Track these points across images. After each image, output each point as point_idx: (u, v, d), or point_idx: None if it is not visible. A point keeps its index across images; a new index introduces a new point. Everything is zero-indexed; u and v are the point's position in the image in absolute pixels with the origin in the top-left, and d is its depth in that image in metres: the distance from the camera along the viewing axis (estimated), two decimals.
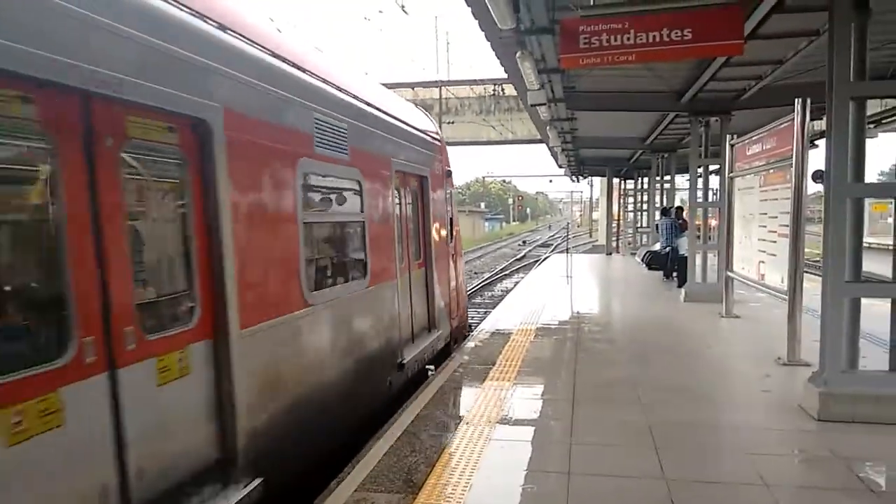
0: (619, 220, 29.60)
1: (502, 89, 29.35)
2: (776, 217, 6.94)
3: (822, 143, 5.66)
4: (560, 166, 27.91)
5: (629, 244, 27.20)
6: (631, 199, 29.71)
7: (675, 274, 13.75)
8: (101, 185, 2.79)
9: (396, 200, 6.87)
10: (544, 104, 9.52)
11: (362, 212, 5.78)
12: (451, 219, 9.49)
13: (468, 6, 6.46)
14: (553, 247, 44.07)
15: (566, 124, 13.77)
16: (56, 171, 2.62)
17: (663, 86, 10.26)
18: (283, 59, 4.48)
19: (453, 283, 9.43)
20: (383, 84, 8.71)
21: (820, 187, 7.42)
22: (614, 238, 27.80)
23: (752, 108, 10.60)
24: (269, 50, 4.28)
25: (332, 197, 5.53)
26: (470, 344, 8.08)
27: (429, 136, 8.40)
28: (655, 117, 13.69)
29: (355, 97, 5.74)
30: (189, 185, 3.45)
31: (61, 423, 2.55)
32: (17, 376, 2.40)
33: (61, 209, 2.62)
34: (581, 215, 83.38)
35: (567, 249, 20.15)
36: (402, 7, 15.93)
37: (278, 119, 4.33)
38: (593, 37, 5.60)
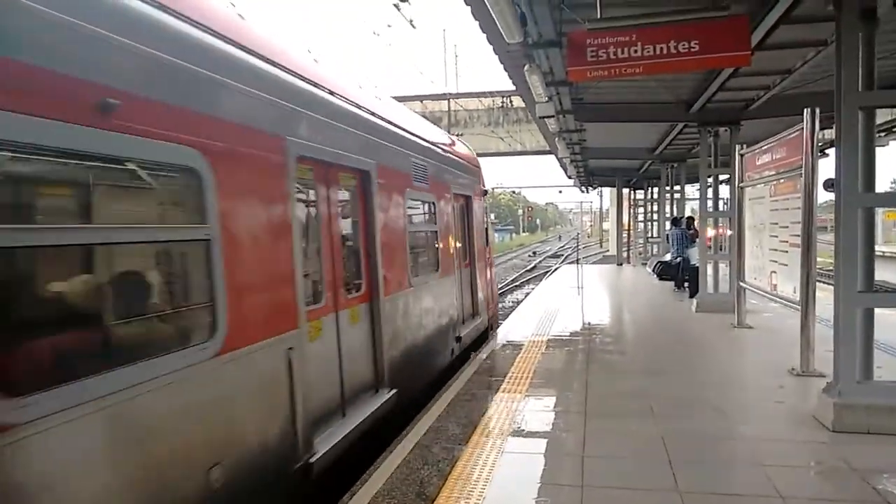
0: (629, 230, 29.54)
1: (510, 101, 29.44)
2: (787, 227, 6.92)
3: (832, 151, 5.66)
4: (569, 177, 27.90)
5: (640, 254, 27.11)
6: (641, 209, 29.63)
7: (686, 284, 13.69)
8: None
9: (453, 215, 8.67)
10: (553, 116, 9.56)
11: (435, 224, 7.72)
12: (487, 229, 11.25)
13: (475, 20, 6.53)
14: (563, 257, 43.98)
15: (575, 136, 13.81)
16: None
17: (671, 96, 10.28)
18: (399, 127, 6.60)
19: (489, 281, 11.29)
20: (394, 97, 8.83)
21: (830, 196, 7.41)
22: (625, 248, 27.73)
23: (761, 118, 10.59)
24: (396, 124, 6.48)
25: (420, 214, 7.39)
26: (482, 355, 8.08)
27: (471, 164, 10.30)
28: (664, 128, 13.69)
29: (430, 143, 7.77)
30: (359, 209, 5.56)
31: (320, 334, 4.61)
32: (310, 307, 4.46)
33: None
34: (591, 226, 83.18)
35: (577, 260, 20.10)
36: (411, 21, 16.03)
37: (399, 165, 6.43)
38: (600, 50, 5.64)
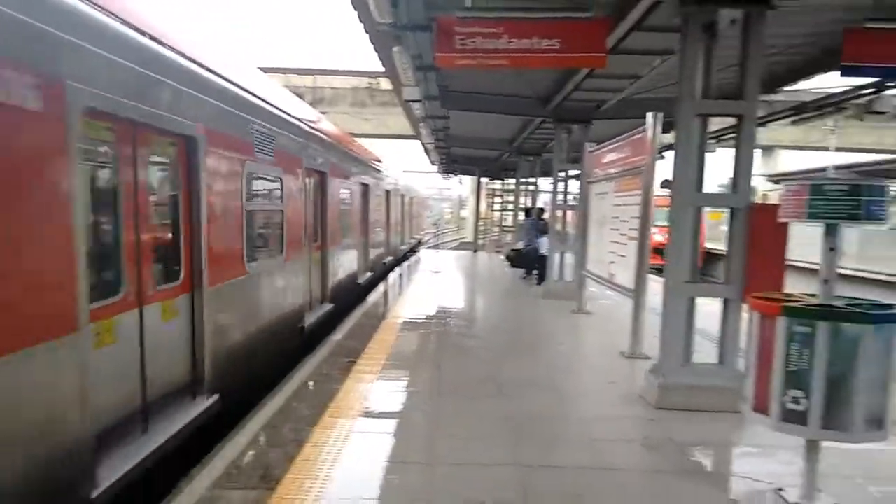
0: (486, 218, 30.51)
1: (378, 83, 29.17)
2: (626, 221, 7.44)
3: (669, 154, 6.15)
4: (433, 163, 28.24)
5: (495, 242, 28.09)
6: (498, 199, 30.67)
7: (535, 272, 14.37)
8: None
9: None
10: (419, 101, 9.57)
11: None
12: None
13: None
14: (422, 242, 44.51)
15: (439, 122, 13.96)
16: None
17: (532, 91, 10.68)
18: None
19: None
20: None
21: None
22: (481, 236, 28.61)
23: (610, 119, 11.29)
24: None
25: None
26: (336, 336, 7.97)
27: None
28: (523, 121, 14.21)
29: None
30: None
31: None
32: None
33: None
34: (451, 213, 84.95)
35: (437, 246, 20.41)
36: None
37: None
38: (469, 38, 5.70)
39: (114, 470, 3.60)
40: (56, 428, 3.15)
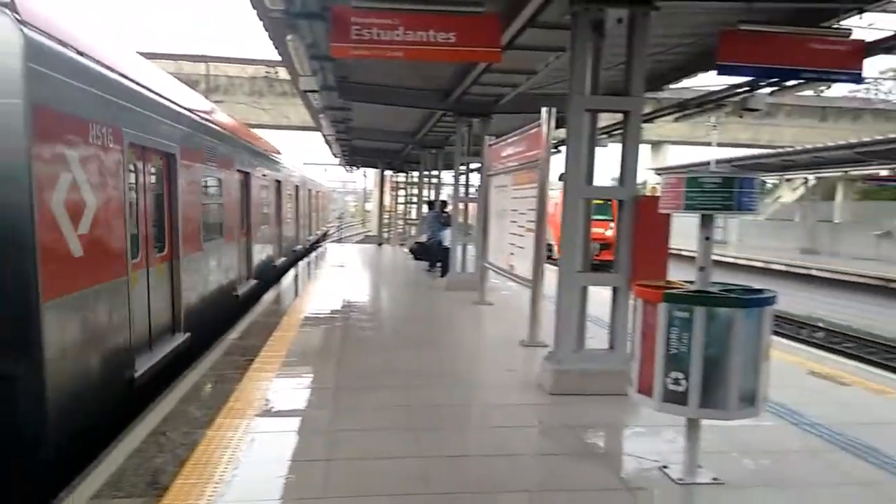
0: (390, 211, 30.42)
1: (276, 72, 28.34)
2: (524, 213, 7.63)
3: (564, 148, 6.33)
4: (335, 155, 27.80)
5: (399, 235, 28.08)
6: (402, 192, 30.65)
7: (439, 264, 14.48)
8: None
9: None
10: (317, 91, 9.36)
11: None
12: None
13: None
14: (326, 235, 43.79)
15: (339, 114, 13.74)
16: None
17: (432, 84, 10.72)
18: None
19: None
20: (141, 53, 7.98)
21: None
22: (386, 229, 28.51)
23: (508, 113, 11.53)
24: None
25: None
26: (232, 335, 7.69)
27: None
28: (425, 114, 14.24)
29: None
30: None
31: None
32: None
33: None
34: (355, 206, 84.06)
35: (340, 240, 20.16)
36: None
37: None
38: (364, 29, 5.62)
39: (141, 365, 5.76)
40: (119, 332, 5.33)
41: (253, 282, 11.51)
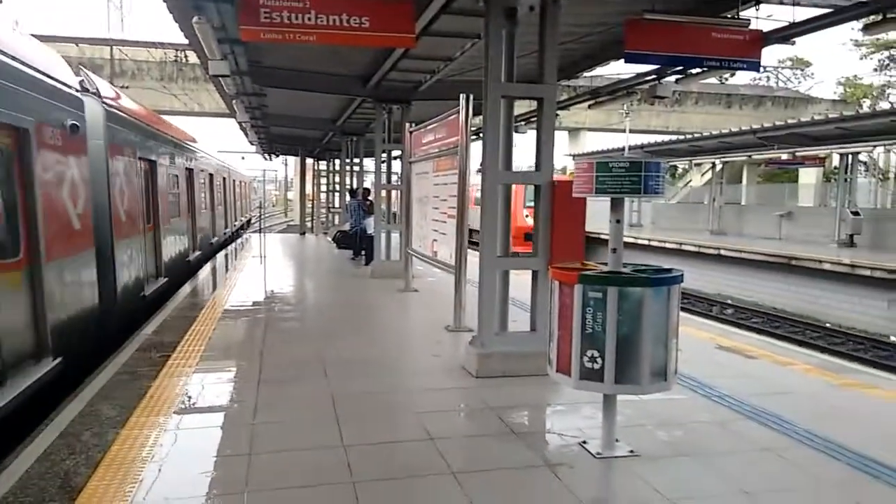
0: (313, 200, 29.91)
1: (185, 56, 27.17)
2: (446, 200, 7.68)
3: None
4: (252, 143, 27.02)
5: (322, 224, 27.67)
6: (324, 180, 30.17)
7: (363, 252, 14.39)
8: None
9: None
10: (228, 76, 9.05)
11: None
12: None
13: None
14: (247, 226, 42.62)
15: (254, 99, 13.36)
16: None
17: (350, 70, 10.58)
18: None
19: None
20: (37, 35, 7.45)
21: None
22: (308, 218, 28.03)
23: (427, 100, 11.52)
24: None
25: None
26: (147, 330, 7.39)
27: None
28: (345, 100, 14.02)
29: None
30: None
31: None
32: None
33: None
34: (276, 195, 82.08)
35: (261, 230, 19.69)
36: None
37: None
38: (274, 12, 5.47)
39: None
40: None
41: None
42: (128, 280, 8.50)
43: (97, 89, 7.76)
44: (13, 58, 5.14)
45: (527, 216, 16.22)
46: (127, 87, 23.57)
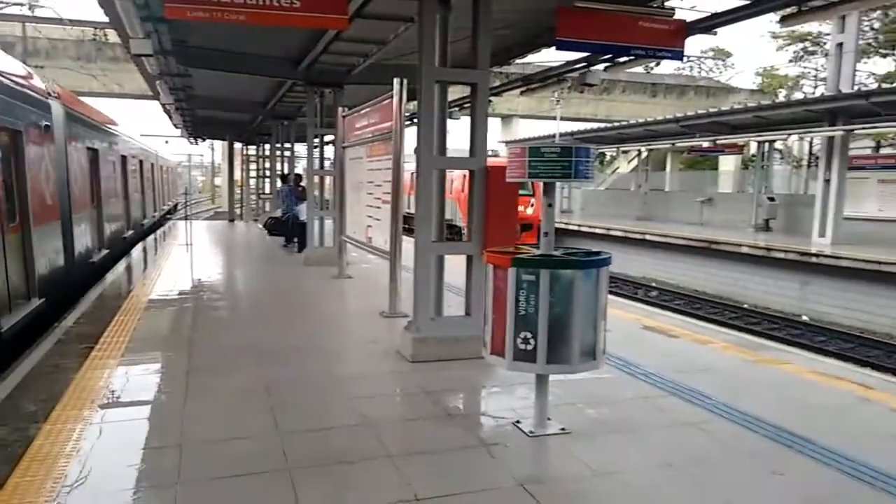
0: (242, 186, 29.10)
1: (105, 35, 25.80)
2: (381, 185, 7.63)
3: None
4: (176, 126, 25.99)
5: (253, 211, 27.00)
6: (254, 165, 29.39)
7: (295, 240, 14.15)
8: None
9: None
10: (151, 55, 8.65)
11: None
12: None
13: None
14: (172, 211, 41.14)
15: (179, 80, 12.84)
16: None
17: (281, 52, 10.32)
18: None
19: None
20: None
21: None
22: (237, 205, 27.28)
23: (361, 84, 11.37)
24: None
25: None
26: (67, 322, 7.06)
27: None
28: (275, 83, 13.68)
29: None
30: None
31: None
32: None
33: None
34: (203, 181, 79.41)
35: (186, 217, 19.05)
36: None
37: None
38: None
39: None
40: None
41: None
42: (81, 248, 10.35)
43: (58, 94, 9.52)
44: (14, 81, 7.18)
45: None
46: (42, 68, 22.25)
